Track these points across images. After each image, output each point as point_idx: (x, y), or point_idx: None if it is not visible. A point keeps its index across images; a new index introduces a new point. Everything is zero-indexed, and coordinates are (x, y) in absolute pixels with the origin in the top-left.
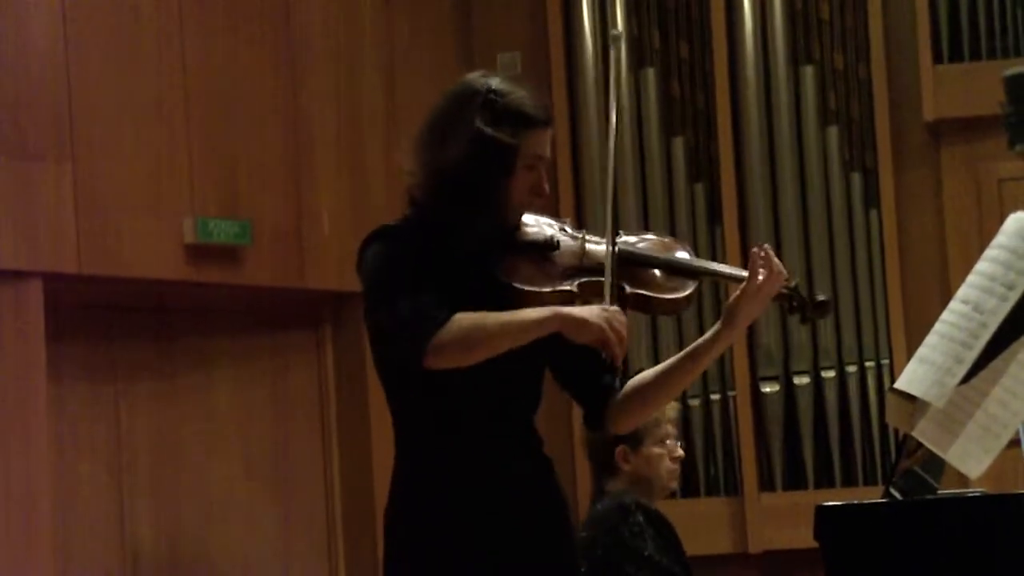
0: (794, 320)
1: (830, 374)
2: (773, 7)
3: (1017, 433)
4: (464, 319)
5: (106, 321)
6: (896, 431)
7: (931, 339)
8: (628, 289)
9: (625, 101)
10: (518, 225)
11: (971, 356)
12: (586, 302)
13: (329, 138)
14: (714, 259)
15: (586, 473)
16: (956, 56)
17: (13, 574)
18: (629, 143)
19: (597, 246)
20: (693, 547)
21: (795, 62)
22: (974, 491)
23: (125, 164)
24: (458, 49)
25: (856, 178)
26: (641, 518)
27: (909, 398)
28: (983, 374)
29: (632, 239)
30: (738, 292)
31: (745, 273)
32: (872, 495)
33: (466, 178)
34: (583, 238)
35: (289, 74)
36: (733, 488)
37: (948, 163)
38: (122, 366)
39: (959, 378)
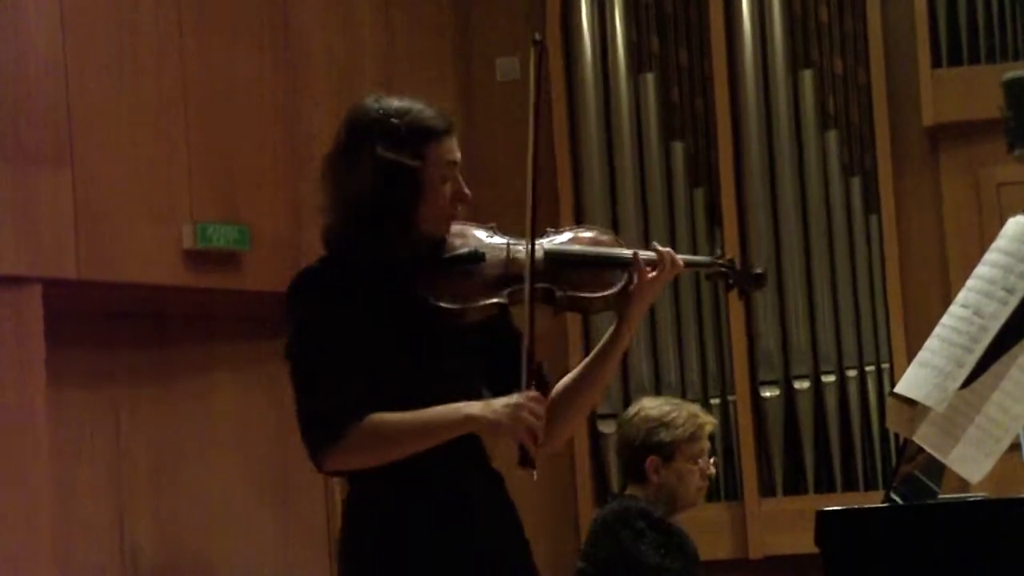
0: (792, 322)
1: (830, 378)
2: (772, 12)
3: (1017, 437)
4: (372, 428)
5: (105, 327)
6: (896, 435)
7: (931, 343)
8: (559, 293)
9: (624, 105)
10: (444, 239)
11: (972, 360)
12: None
13: (327, 143)
14: None
15: (586, 476)
16: (955, 60)
17: None
18: (628, 148)
19: (522, 253)
20: None
21: (794, 66)
22: (975, 495)
23: (124, 169)
24: (456, 54)
25: (855, 182)
26: (642, 524)
27: (909, 402)
28: (984, 378)
29: (557, 238)
30: (634, 283)
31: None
32: (873, 500)
33: (376, 206)
34: (508, 245)
35: (288, 79)
36: (733, 493)
37: (947, 167)
38: (121, 372)
39: (960, 382)
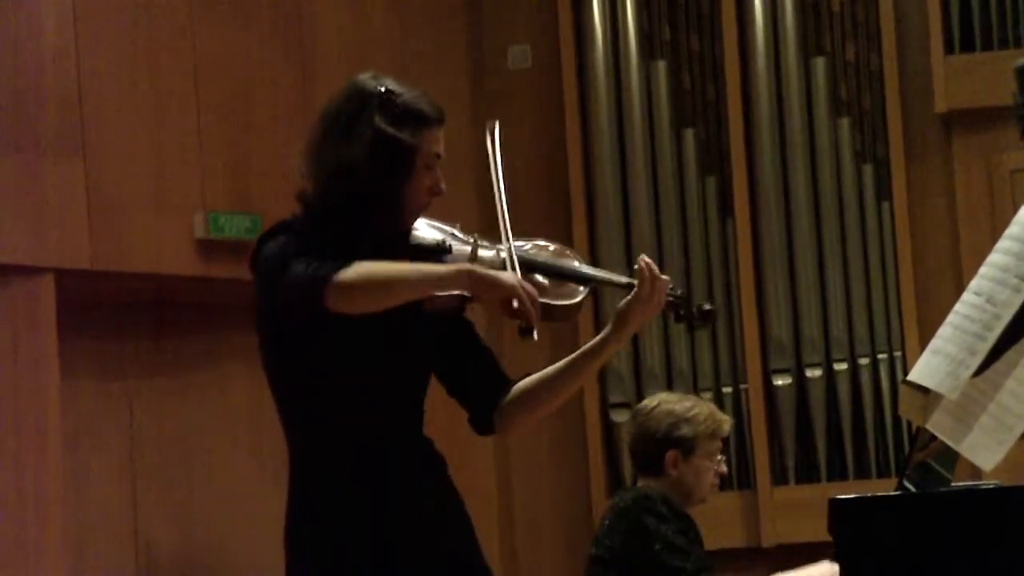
0: (804, 310)
1: (842, 366)
2: None
3: None
4: (366, 268)
5: (118, 316)
6: (909, 423)
7: (944, 331)
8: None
9: (635, 93)
10: (409, 228)
11: (984, 348)
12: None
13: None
14: (725, 252)
15: (599, 465)
16: (968, 47)
17: (27, 569)
18: (640, 136)
19: (488, 251)
20: (706, 542)
21: (806, 53)
22: (988, 483)
23: (136, 159)
24: (468, 42)
25: (868, 169)
26: (664, 508)
27: (922, 390)
28: (997, 366)
29: (522, 244)
30: (629, 298)
31: (634, 281)
32: (885, 488)
33: (368, 178)
34: (475, 242)
35: (299, 68)
36: (746, 482)
37: (960, 154)
38: (133, 361)
39: (973, 370)
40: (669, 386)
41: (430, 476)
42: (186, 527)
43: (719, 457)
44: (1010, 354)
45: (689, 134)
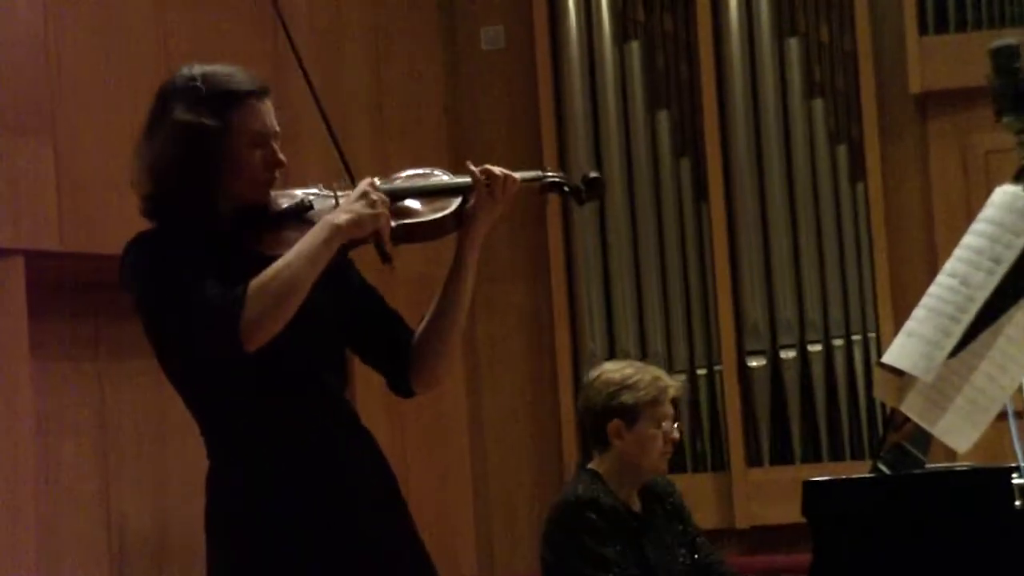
0: (778, 291)
1: (817, 348)
2: None
3: (1004, 407)
4: (258, 285)
5: (89, 298)
6: (883, 405)
7: (919, 313)
8: (394, 223)
9: (609, 74)
10: (267, 203)
11: (959, 330)
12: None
13: (312, 115)
14: (700, 234)
15: (572, 444)
16: (942, 27)
17: None
18: (614, 117)
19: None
20: None
21: (780, 34)
22: (962, 465)
23: (106, 140)
24: (441, 24)
25: (842, 151)
26: (594, 515)
27: (897, 372)
28: (971, 348)
29: (384, 179)
30: (472, 201)
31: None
32: (859, 470)
33: (179, 170)
34: (336, 194)
35: (273, 51)
36: (720, 464)
37: (935, 135)
38: (105, 343)
39: (947, 352)
40: None
41: (362, 444)
42: (159, 507)
43: (672, 424)
44: (984, 336)
45: (663, 115)
